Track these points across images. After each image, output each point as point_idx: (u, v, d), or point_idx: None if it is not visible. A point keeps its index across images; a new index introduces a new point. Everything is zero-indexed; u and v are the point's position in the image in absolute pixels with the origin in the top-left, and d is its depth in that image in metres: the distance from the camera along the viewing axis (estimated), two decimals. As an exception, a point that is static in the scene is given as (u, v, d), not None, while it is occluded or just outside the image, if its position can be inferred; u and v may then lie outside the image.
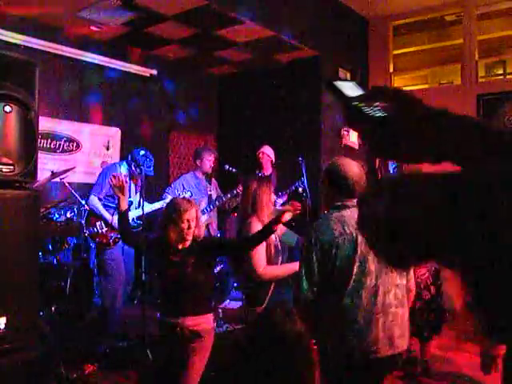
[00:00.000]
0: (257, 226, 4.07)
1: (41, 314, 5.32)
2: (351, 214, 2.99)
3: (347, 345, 2.94)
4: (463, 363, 5.92)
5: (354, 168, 3.09)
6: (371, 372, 2.99)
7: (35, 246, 3.73)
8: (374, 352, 2.93)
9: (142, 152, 6.15)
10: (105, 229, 6.07)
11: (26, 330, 3.49)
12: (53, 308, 5.97)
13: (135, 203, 6.32)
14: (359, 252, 2.94)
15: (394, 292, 3.02)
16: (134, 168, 6.20)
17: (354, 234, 2.94)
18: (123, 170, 6.24)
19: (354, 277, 2.92)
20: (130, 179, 6.28)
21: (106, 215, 6.11)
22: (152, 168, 6.20)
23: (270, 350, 1.92)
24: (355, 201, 2.98)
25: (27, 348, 3.47)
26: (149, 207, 6.22)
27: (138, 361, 5.26)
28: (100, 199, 6.12)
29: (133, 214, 6.19)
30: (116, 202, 6.16)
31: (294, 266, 3.87)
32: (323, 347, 3.03)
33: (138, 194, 6.38)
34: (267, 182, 4.45)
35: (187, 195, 6.65)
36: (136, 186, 6.41)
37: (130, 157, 6.30)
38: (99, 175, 6.32)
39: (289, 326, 1.98)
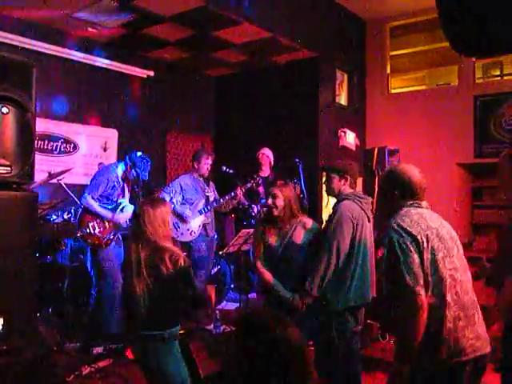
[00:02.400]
0: None
1: (38, 315, 5.31)
2: (429, 213, 3.06)
3: (436, 345, 2.85)
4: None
5: (416, 173, 3.15)
6: (461, 375, 2.88)
7: (32, 246, 3.73)
8: (465, 354, 2.85)
9: (139, 153, 6.12)
10: (97, 230, 6.04)
11: (24, 331, 3.49)
12: (50, 309, 5.96)
13: (127, 206, 6.29)
14: (446, 247, 2.93)
15: (471, 292, 3.00)
16: (129, 170, 6.18)
17: (438, 229, 2.97)
18: (119, 171, 6.22)
19: (442, 273, 2.87)
20: (123, 181, 6.25)
21: (104, 212, 6.06)
22: (147, 172, 6.16)
23: (259, 353, 1.88)
24: (424, 203, 3.10)
25: (24, 349, 3.47)
26: None
27: (135, 362, 5.25)
28: (94, 199, 6.07)
29: (125, 216, 6.17)
30: (111, 203, 6.18)
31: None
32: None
33: (127, 196, 6.37)
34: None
35: (179, 199, 6.65)
36: (128, 187, 6.39)
37: (127, 158, 6.28)
38: (95, 176, 6.23)
39: (279, 329, 1.93)
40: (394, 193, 3.12)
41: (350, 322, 4.14)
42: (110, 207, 6.12)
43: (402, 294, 2.85)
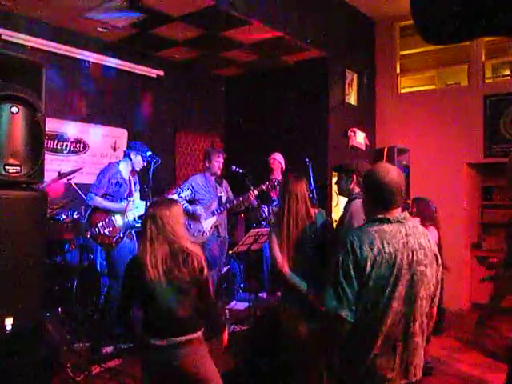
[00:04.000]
0: None
1: (47, 314, 5.32)
2: (393, 231, 2.83)
3: (362, 369, 2.80)
4: (471, 363, 5.89)
5: (394, 174, 2.92)
6: None
7: (42, 246, 3.74)
8: (389, 380, 2.79)
9: (149, 152, 6.10)
10: (106, 229, 6.04)
11: (33, 331, 3.50)
12: (59, 309, 5.98)
13: (137, 201, 6.29)
14: (394, 274, 2.76)
15: (420, 321, 2.86)
16: (133, 159, 6.20)
17: (394, 255, 2.77)
18: (123, 167, 6.23)
19: (384, 300, 2.75)
20: (130, 177, 6.27)
21: (114, 206, 6.09)
22: (147, 153, 6.10)
23: (273, 348, 1.90)
24: (396, 214, 2.90)
25: (34, 349, 3.48)
26: None
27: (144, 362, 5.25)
28: (100, 197, 6.09)
29: (134, 213, 6.18)
30: (119, 201, 6.18)
31: None
32: (338, 366, 2.93)
33: (138, 191, 6.39)
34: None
35: (187, 193, 6.59)
36: (135, 181, 6.40)
37: (127, 149, 6.34)
38: (98, 176, 6.24)
39: (294, 326, 1.95)
40: (370, 197, 3.01)
41: None
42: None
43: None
